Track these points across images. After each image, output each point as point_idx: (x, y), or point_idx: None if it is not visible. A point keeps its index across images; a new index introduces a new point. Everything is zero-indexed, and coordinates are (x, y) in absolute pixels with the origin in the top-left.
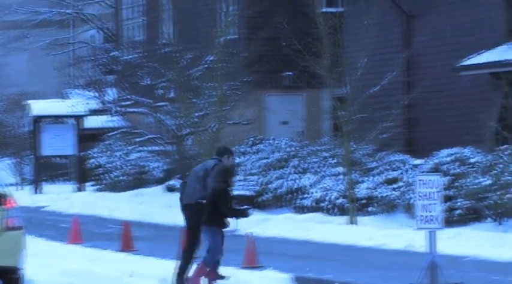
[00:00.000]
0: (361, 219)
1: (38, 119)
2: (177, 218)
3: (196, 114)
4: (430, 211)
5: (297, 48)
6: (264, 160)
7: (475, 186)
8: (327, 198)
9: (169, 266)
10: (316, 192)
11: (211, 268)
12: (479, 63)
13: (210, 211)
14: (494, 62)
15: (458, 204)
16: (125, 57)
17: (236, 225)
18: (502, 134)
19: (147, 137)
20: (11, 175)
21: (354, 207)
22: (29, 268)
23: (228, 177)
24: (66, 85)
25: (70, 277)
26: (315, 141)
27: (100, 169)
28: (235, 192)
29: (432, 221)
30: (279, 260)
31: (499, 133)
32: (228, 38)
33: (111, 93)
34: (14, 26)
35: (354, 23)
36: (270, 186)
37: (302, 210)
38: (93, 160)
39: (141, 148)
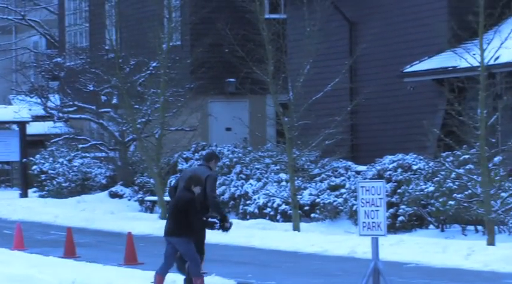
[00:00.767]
0: (304, 226)
1: None
2: (120, 224)
3: (140, 121)
4: (373, 218)
5: (240, 54)
6: None
7: (418, 193)
8: (271, 205)
9: (113, 273)
10: (259, 199)
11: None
12: (422, 70)
13: (181, 221)
14: (438, 68)
15: (402, 210)
16: (69, 64)
17: None
18: (445, 141)
19: (90, 143)
20: None
21: (298, 213)
22: None
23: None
24: (10, 91)
25: (13, 283)
26: (258, 148)
27: (44, 175)
28: None
29: (375, 228)
30: (222, 266)
31: (442, 140)
32: (172, 44)
33: (54, 99)
34: None
35: (297, 29)
36: None
37: (246, 216)
38: (36, 166)
39: (84, 154)
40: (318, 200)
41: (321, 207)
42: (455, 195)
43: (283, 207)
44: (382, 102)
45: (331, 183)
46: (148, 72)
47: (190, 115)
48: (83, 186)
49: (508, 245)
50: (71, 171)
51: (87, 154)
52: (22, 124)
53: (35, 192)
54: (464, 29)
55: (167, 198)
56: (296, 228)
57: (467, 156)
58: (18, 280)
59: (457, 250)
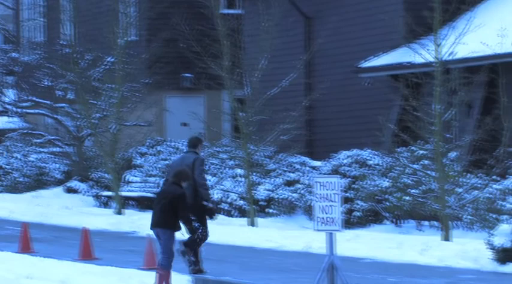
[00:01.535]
0: (260, 221)
1: None
2: (76, 219)
3: (96, 116)
4: (329, 213)
5: (197, 49)
6: (163, 162)
7: (374, 188)
8: (227, 200)
9: (69, 268)
10: (215, 194)
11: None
12: (378, 65)
13: (171, 214)
14: (393, 64)
15: (357, 206)
16: (24, 58)
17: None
18: (401, 136)
19: (46, 138)
20: None
21: (254, 208)
22: None
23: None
24: None
25: None
26: (214, 143)
27: None
28: (135, 194)
29: (331, 223)
30: (178, 261)
31: (398, 135)
32: (128, 39)
33: (10, 94)
34: None
35: (253, 24)
36: None
37: None
38: None
39: (40, 149)
40: (273, 195)
41: (277, 202)
42: (410, 190)
43: (239, 202)
44: (338, 98)
45: (287, 178)
46: (104, 67)
47: (146, 111)
48: (38, 181)
49: (463, 241)
50: (26, 166)
51: (43, 149)
52: None
53: None
54: (420, 25)
55: (123, 193)
56: (252, 223)
57: (422, 152)
58: None
59: (412, 245)
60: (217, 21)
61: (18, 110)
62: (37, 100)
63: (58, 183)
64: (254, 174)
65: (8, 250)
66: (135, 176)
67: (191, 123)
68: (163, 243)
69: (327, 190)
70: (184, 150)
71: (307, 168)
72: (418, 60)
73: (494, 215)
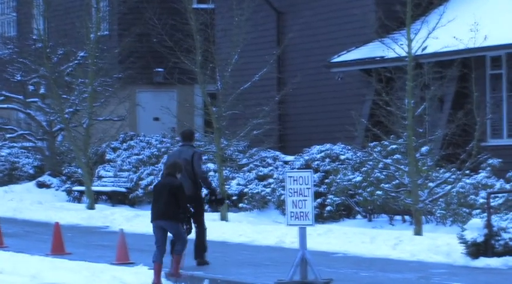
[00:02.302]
0: (233, 215)
1: None
2: (48, 214)
3: (68, 110)
4: (301, 208)
5: (169, 44)
6: (136, 157)
7: (346, 183)
8: None
9: (40, 263)
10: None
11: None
12: (349, 60)
13: (173, 205)
14: (365, 58)
15: (329, 200)
16: None
17: (110, 222)
18: (373, 131)
19: (18, 133)
20: None
21: (226, 203)
22: None
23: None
24: None
25: None
26: None
27: None
28: (107, 189)
29: (303, 217)
30: (150, 256)
31: (370, 130)
32: (100, 34)
33: None
34: None
35: (225, 19)
36: (141, 182)
37: None
38: None
39: (12, 144)
40: (246, 190)
41: (249, 197)
42: (382, 184)
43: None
44: (310, 92)
45: (259, 173)
46: (77, 61)
47: (119, 105)
48: (10, 176)
49: (435, 235)
50: None
51: (15, 144)
52: None
53: None
54: (391, 19)
55: (95, 188)
56: (224, 218)
57: (394, 146)
58: None
59: (384, 239)
60: (189, 16)
61: None
62: (9, 94)
63: (30, 177)
64: (226, 168)
65: None
66: (108, 171)
67: (163, 117)
68: (175, 233)
69: (299, 184)
70: (179, 144)
71: (280, 163)
72: (390, 54)
73: (466, 210)
